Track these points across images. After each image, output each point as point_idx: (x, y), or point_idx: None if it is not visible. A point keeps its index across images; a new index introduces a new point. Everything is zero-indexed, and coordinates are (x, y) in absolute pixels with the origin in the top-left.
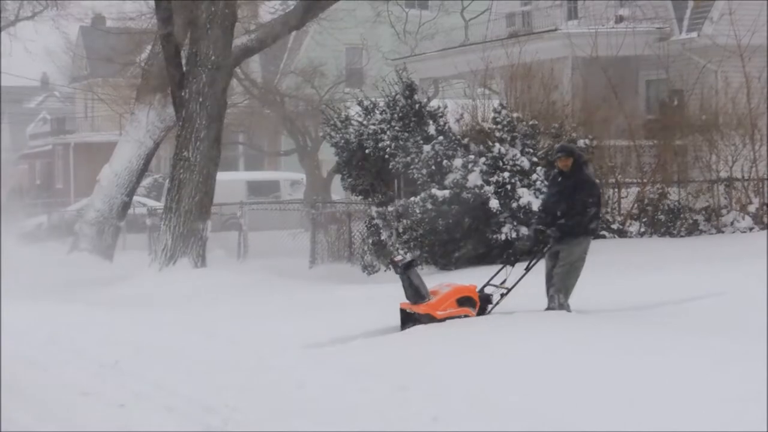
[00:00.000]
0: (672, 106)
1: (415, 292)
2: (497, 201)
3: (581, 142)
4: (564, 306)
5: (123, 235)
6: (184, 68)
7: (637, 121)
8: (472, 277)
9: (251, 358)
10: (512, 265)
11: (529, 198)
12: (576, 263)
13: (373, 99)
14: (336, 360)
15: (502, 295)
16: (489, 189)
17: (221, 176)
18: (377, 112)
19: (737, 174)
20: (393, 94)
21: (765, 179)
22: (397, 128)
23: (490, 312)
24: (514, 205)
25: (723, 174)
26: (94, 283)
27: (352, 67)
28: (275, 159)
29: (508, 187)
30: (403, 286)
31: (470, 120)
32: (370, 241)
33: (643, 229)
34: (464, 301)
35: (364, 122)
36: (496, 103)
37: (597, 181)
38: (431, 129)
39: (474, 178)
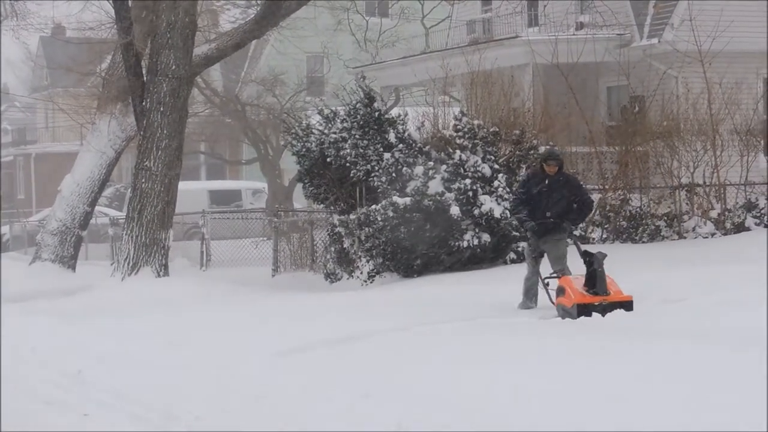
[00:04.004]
0: (633, 113)
1: (606, 284)
2: (458, 208)
3: (542, 149)
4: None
5: (85, 245)
6: (145, 78)
7: (599, 128)
8: (435, 284)
9: (215, 366)
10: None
11: (491, 205)
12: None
13: (333, 107)
14: (300, 368)
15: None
16: (450, 196)
17: (183, 185)
18: (338, 120)
19: (699, 180)
20: (354, 102)
21: (726, 185)
22: (357, 136)
23: None
24: (476, 212)
25: (684, 180)
26: (57, 293)
27: (313, 75)
28: (237, 168)
29: (470, 194)
30: (598, 278)
31: (431, 127)
32: (333, 249)
33: (605, 236)
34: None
35: (326, 131)
36: (457, 110)
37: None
38: (391, 137)
39: (435, 186)
